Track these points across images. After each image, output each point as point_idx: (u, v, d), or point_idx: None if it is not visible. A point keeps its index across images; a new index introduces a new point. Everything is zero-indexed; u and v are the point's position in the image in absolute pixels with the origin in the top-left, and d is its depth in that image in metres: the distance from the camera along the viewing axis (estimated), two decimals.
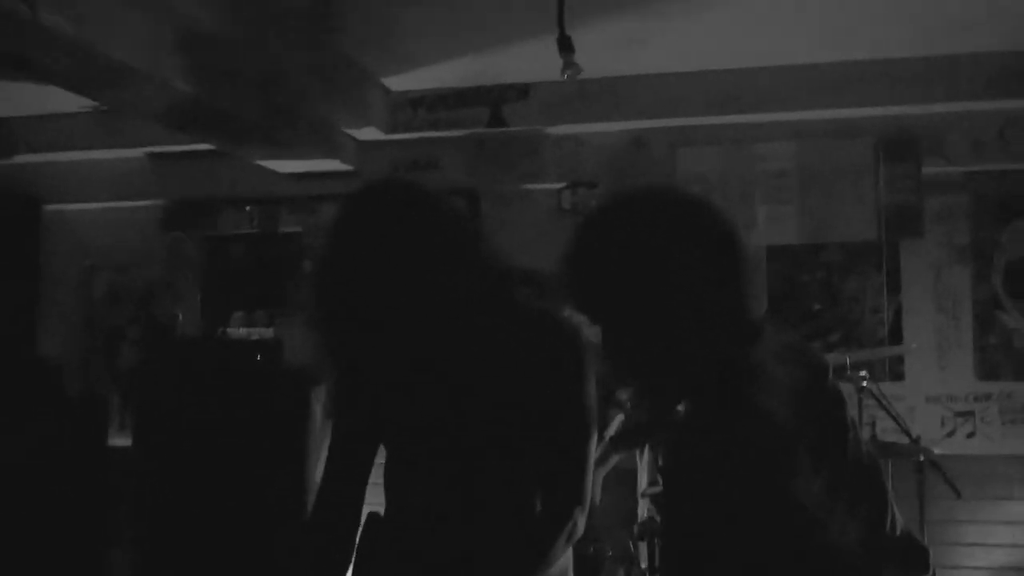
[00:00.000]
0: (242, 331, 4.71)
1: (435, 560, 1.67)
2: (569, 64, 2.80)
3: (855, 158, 4.24)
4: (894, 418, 3.45)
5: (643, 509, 3.46)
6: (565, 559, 1.78)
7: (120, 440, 4.55)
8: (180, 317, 4.90)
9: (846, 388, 3.66)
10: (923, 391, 4.17)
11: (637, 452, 3.60)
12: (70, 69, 2.90)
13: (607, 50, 3.71)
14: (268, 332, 4.66)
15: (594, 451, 1.72)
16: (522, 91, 4.40)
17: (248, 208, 4.92)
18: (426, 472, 1.71)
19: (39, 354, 4.68)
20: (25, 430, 3.91)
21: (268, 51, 3.49)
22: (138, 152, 4.97)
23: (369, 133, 4.53)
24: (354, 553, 1.78)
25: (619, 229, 1.27)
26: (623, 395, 3.55)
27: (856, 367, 3.40)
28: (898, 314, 4.20)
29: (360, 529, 1.79)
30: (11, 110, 4.70)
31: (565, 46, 2.79)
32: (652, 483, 3.53)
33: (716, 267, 1.24)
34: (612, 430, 3.33)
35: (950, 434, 4.11)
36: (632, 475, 3.64)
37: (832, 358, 3.55)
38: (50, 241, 5.11)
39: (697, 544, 1.20)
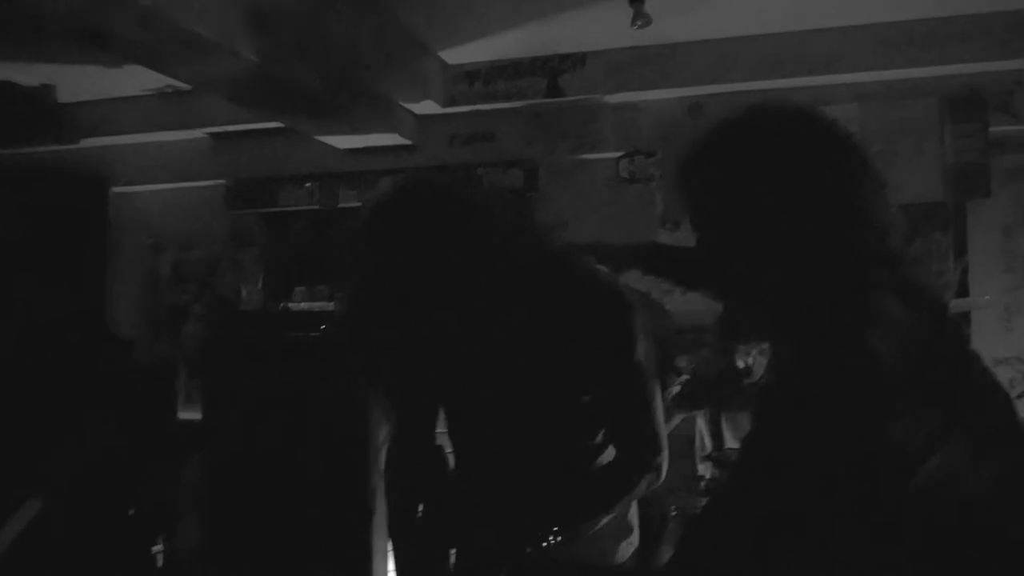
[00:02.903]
0: (303, 305, 4.79)
1: (505, 505, 1.71)
2: (640, 15, 2.80)
3: (919, 118, 4.17)
4: None
5: (707, 471, 3.47)
6: (632, 514, 1.84)
7: (187, 414, 4.66)
8: (243, 293, 5.00)
9: None
10: (991, 353, 4.09)
11: (697, 415, 3.61)
12: (145, 42, 2.97)
13: (664, 15, 3.69)
14: (329, 306, 4.74)
15: (659, 398, 1.74)
16: (579, 60, 4.41)
17: (308, 185, 5.00)
18: (489, 430, 1.78)
19: (110, 330, 4.80)
20: (100, 402, 4.01)
21: (331, 24, 3.54)
22: (200, 133, 5.08)
23: (427, 107, 4.57)
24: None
25: (737, 145, 1.21)
26: (683, 361, 3.56)
27: None
28: (964, 275, 4.14)
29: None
30: (79, 95, 4.82)
31: None
32: (716, 447, 3.53)
33: (837, 185, 1.16)
34: (672, 393, 3.34)
35: (1020, 395, 4.04)
36: (690, 441, 3.65)
37: None
38: (118, 222, 5.23)
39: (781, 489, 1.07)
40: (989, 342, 4.12)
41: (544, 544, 1.61)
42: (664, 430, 1.74)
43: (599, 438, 1.74)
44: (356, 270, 1.70)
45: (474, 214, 1.64)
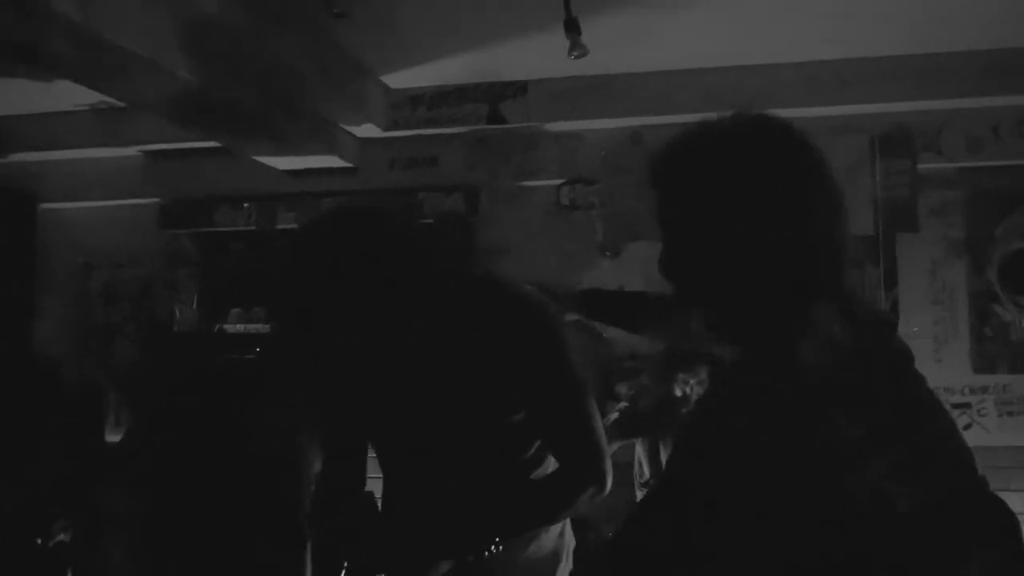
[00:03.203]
0: (239, 327, 4.70)
1: (440, 519, 1.69)
2: (576, 45, 2.82)
3: (850, 154, 4.28)
4: None
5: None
6: (565, 541, 1.83)
7: (114, 436, 4.53)
8: (177, 314, 4.89)
9: None
10: None
11: (636, 442, 3.62)
12: (77, 59, 2.90)
13: (604, 47, 3.74)
14: (265, 328, 4.66)
15: (595, 407, 1.72)
16: (521, 88, 4.43)
17: (246, 205, 4.92)
18: (418, 453, 1.77)
19: (36, 350, 4.65)
20: (24, 424, 3.88)
21: (271, 44, 3.50)
22: (134, 150, 4.97)
23: (368, 130, 4.55)
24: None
25: (713, 147, 1.20)
26: (622, 388, 3.58)
27: None
28: (895, 307, 4.24)
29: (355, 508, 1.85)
30: (7, 108, 4.68)
31: (572, 27, 2.82)
32: (654, 474, 3.55)
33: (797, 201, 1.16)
34: (611, 420, 3.36)
35: None
36: (629, 467, 3.66)
37: None
38: (46, 239, 5.09)
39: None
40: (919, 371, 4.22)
41: (485, 553, 1.59)
42: (605, 440, 1.71)
43: (531, 451, 1.73)
44: (284, 295, 1.70)
45: (402, 240, 1.64)
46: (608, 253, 4.53)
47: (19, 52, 2.91)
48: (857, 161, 4.27)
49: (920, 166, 4.24)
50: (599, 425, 1.70)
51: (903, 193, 4.20)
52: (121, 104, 4.07)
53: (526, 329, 1.66)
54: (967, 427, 4.16)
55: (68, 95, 4.30)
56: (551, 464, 1.75)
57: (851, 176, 4.27)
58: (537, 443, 1.73)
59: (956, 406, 4.18)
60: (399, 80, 4.44)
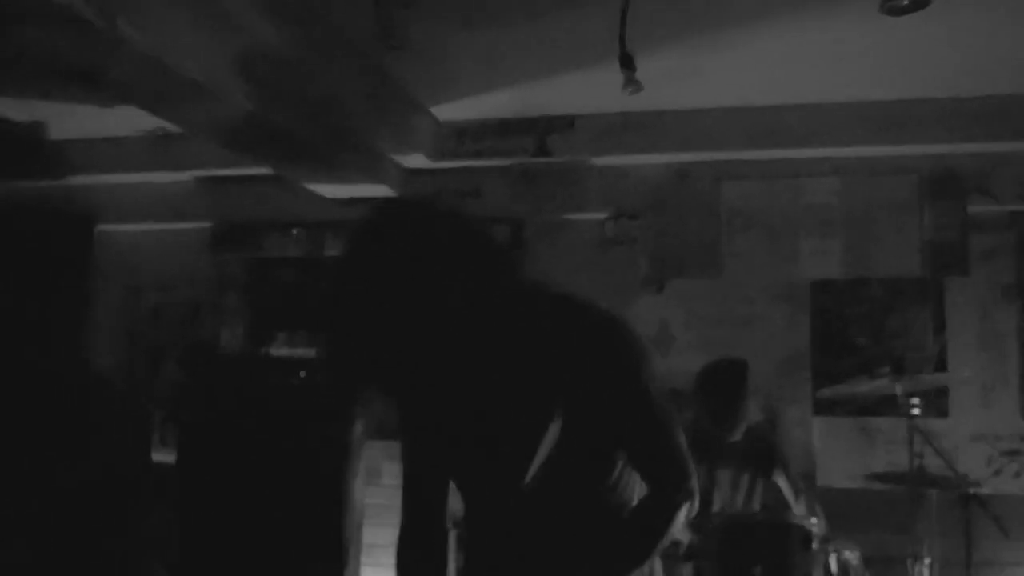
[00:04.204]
0: (284, 351, 4.77)
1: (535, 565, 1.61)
2: (631, 81, 2.85)
3: (899, 194, 4.25)
4: (939, 453, 3.42)
5: (684, 537, 3.43)
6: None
7: (160, 456, 4.59)
8: (224, 337, 4.96)
9: (899, 423, 3.66)
10: (968, 429, 4.13)
11: None
12: (139, 84, 3.00)
13: (652, 84, 3.77)
14: (311, 353, 4.71)
15: (677, 421, 1.63)
16: (568, 122, 4.47)
17: (294, 232, 5.00)
18: (500, 487, 1.63)
19: (88, 367, 4.74)
20: (73, 440, 3.95)
21: (324, 74, 3.58)
22: (187, 175, 5.09)
23: (416, 160, 4.62)
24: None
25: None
26: None
27: (907, 396, 3.38)
28: (943, 351, 4.18)
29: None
30: (68, 133, 4.84)
31: (627, 63, 2.84)
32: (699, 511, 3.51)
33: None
34: None
35: (996, 473, 4.06)
36: None
37: (882, 387, 3.55)
38: (100, 260, 5.20)
39: None
40: (966, 418, 4.15)
41: None
42: (687, 453, 1.63)
43: (615, 475, 1.63)
44: (339, 302, 1.45)
45: (471, 238, 1.47)
46: (652, 288, 4.53)
47: (84, 78, 3.01)
48: (905, 202, 4.24)
49: (970, 209, 4.19)
50: (683, 440, 1.62)
51: (952, 236, 4.15)
52: (177, 130, 4.20)
53: (606, 342, 1.55)
54: (1018, 475, 4.06)
55: (126, 120, 4.43)
56: (631, 487, 1.66)
57: (899, 216, 4.24)
58: (620, 466, 1.63)
59: (1005, 453, 4.09)
60: (447, 112, 4.51)
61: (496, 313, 1.46)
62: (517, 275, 1.53)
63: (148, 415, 4.71)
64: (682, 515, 1.57)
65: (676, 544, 3.37)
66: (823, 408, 4.23)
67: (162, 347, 5.13)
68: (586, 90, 4.05)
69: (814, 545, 3.21)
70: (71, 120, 4.58)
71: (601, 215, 4.63)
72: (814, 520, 3.28)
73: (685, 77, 3.88)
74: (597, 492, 1.62)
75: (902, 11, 2.47)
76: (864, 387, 3.85)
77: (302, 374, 4.14)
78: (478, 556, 1.73)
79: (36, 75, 3.82)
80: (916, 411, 3.41)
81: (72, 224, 5.11)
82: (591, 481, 1.62)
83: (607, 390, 1.54)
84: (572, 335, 1.55)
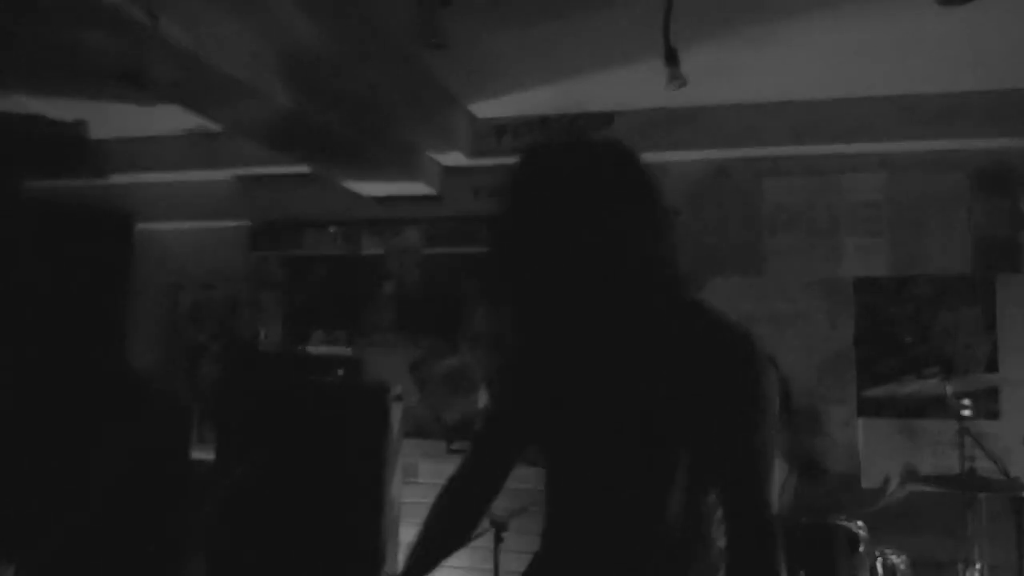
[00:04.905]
0: (322, 349, 4.78)
1: None
2: (675, 76, 2.81)
3: (947, 190, 4.15)
4: (989, 455, 3.34)
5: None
6: None
7: (199, 453, 4.63)
8: (262, 335, 4.99)
9: (946, 425, 3.58)
10: (1020, 431, 4.01)
11: None
12: (181, 83, 3.01)
13: (693, 79, 3.72)
14: (347, 351, 4.72)
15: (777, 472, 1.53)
16: (607, 119, 4.43)
17: (332, 230, 5.02)
18: (589, 489, 1.53)
19: (129, 364, 4.80)
20: (114, 436, 4.00)
21: (365, 73, 3.58)
22: (227, 174, 5.12)
23: (454, 158, 4.60)
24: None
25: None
26: None
27: (957, 397, 3.30)
28: (994, 350, 4.07)
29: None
30: (109, 132, 4.89)
31: (671, 59, 2.80)
32: None
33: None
34: None
35: None
36: None
37: (931, 387, 3.47)
38: (140, 258, 5.26)
39: None
40: (1018, 420, 4.04)
41: None
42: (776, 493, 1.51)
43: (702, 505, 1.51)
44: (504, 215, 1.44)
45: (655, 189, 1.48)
46: (693, 287, 4.47)
47: (126, 77, 3.03)
48: (954, 198, 4.14)
49: (1022, 204, 4.08)
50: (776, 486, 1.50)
51: (1003, 232, 4.04)
52: (217, 128, 4.22)
53: (746, 366, 1.43)
54: None
55: (168, 119, 4.47)
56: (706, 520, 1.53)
57: (948, 212, 4.14)
58: (710, 497, 1.50)
59: None
60: (485, 109, 4.49)
61: (652, 299, 1.45)
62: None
63: (187, 412, 4.76)
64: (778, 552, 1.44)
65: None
66: (868, 409, 4.15)
67: (201, 345, 5.17)
68: (625, 86, 4.01)
69: (860, 548, 3.15)
70: (112, 119, 4.62)
71: None
72: (860, 523, 3.22)
73: (726, 72, 3.82)
74: (667, 515, 1.48)
75: (959, 2, 2.40)
76: (911, 387, 3.77)
77: (340, 372, 4.14)
78: (554, 543, 1.62)
79: (78, 74, 3.86)
80: (966, 412, 3.33)
81: (113, 223, 5.18)
82: (663, 499, 1.48)
83: (727, 407, 1.42)
84: (710, 344, 1.45)
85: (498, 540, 3.31)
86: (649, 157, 4.74)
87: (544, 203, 1.39)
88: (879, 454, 4.13)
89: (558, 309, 1.40)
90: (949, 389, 3.34)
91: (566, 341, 1.47)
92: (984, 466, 3.40)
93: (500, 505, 1.95)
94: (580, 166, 1.42)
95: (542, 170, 1.44)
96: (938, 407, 3.69)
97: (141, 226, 5.30)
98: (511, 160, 1.44)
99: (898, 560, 3.23)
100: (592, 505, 1.53)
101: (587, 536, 1.54)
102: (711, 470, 1.47)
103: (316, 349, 4.78)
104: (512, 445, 1.70)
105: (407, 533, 4.41)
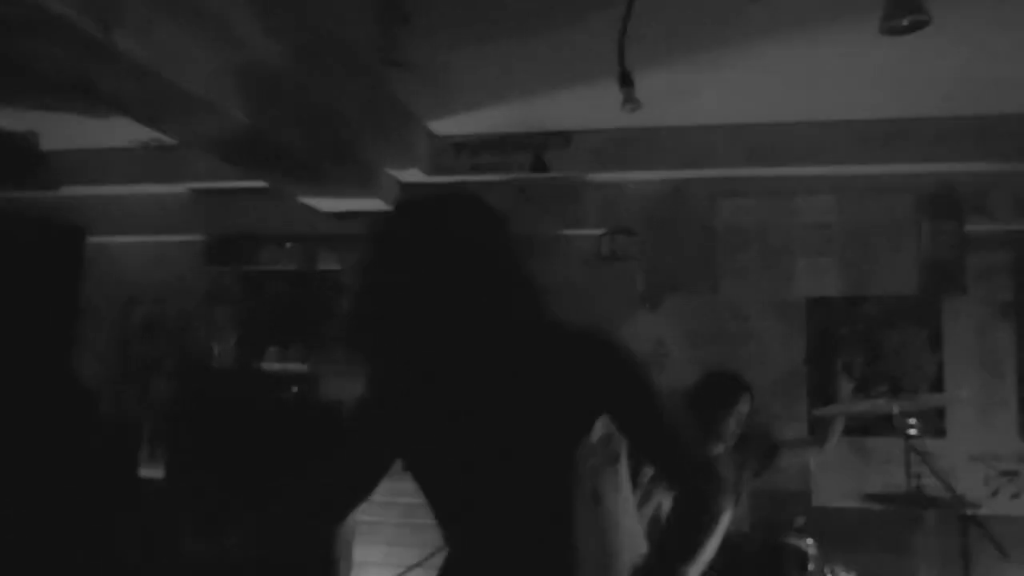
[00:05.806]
0: (276, 366, 4.73)
1: None
2: (630, 98, 2.84)
3: (896, 213, 4.25)
4: (936, 473, 3.40)
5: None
6: None
7: (148, 471, 4.54)
8: (216, 350, 4.92)
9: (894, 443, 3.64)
10: (965, 449, 4.11)
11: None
12: (136, 96, 2.97)
13: (649, 101, 3.78)
14: (302, 368, 4.68)
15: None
16: (565, 138, 4.46)
17: (288, 245, 4.98)
18: (482, 511, 1.57)
19: (76, 380, 4.70)
20: (58, 452, 3.91)
21: (323, 89, 3.57)
22: (181, 188, 5.06)
23: (412, 175, 4.60)
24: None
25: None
26: None
27: (904, 416, 3.37)
28: (940, 370, 4.16)
29: None
30: (61, 143, 4.81)
31: (626, 81, 2.84)
32: None
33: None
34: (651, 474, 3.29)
35: (994, 493, 4.03)
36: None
37: (879, 406, 3.53)
38: (92, 272, 5.16)
39: None
40: (964, 438, 4.13)
41: None
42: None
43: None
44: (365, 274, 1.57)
45: (505, 233, 1.57)
46: (648, 304, 4.51)
47: (79, 89, 2.98)
48: (903, 221, 4.24)
49: (967, 228, 4.19)
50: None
51: (950, 254, 4.14)
52: (172, 141, 4.17)
53: (611, 358, 1.55)
54: (1015, 496, 4.04)
55: (121, 131, 4.41)
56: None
57: (896, 235, 4.23)
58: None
59: (1004, 473, 4.07)
60: (445, 127, 4.50)
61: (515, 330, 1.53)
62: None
63: (136, 429, 4.67)
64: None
65: None
66: (819, 427, 4.21)
67: (153, 360, 5.09)
68: (583, 106, 4.05)
69: (810, 566, 3.18)
70: (64, 131, 4.55)
71: (598, 231, 4.62)
72: (810, 540, 3.25)
73: (682, 94, 3.87)
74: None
75: (902, 31, 2.46)
76: (860, 406, 3.84)
77: (294, 389, 4.10)
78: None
79: (30, 85, 3.80)
80: (913, 431, 3.40)
81: (63, 235, 5.08)
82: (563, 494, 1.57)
83: (616, 400, 1.55)
84: (576, 349, 1.55)
85: None
86: (606, 177, 4.82)
87: (404, 257, 1.53)
88: (829, 471, 4.18)
89: (420, 354, 1.53)
90: (896, 408, 3.40)
91: (430, 381, 1.57)
92: (930, 484, 3.46)
93: None
94: (437, 223, 1.55)
95: (403, 227, 1.58)
96: (886, 426, 3.75)
97: (93, 239, 5.20)
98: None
99: None
100: (488, 526, 1.57)
101: (490, 554, 1.58)
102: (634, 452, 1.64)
103: (271, 366, 4.73)
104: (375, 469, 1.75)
105: (361, 553, 4.36)
